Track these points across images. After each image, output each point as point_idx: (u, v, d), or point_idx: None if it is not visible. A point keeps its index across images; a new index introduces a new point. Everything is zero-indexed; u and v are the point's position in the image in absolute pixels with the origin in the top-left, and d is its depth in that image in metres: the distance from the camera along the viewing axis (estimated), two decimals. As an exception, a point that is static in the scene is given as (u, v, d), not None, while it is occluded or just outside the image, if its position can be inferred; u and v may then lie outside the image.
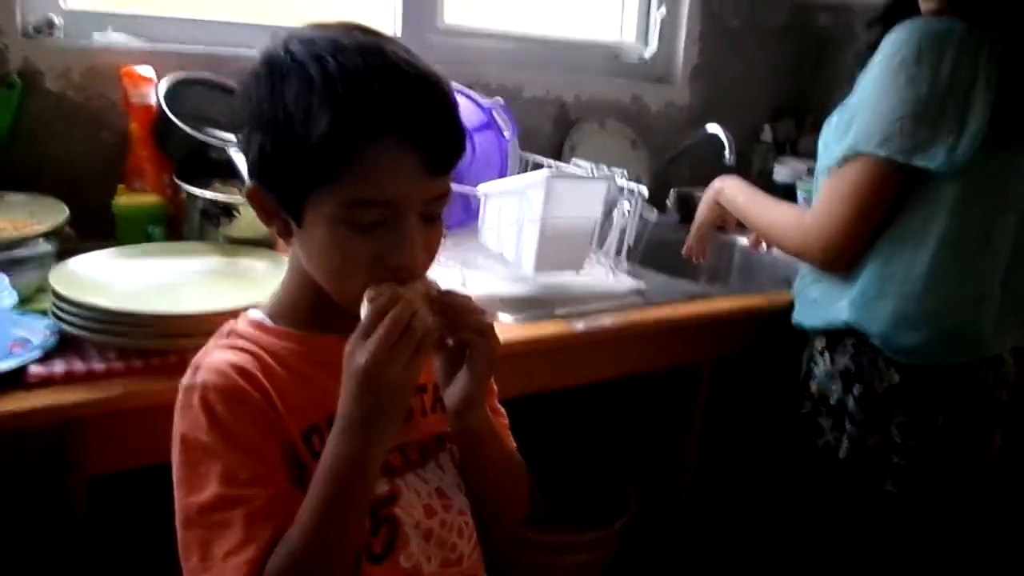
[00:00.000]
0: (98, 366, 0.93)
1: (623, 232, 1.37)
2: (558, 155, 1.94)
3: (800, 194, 2.05)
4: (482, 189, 1.32)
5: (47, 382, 0.90)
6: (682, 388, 1.50)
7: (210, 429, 0.71)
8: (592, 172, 1.41)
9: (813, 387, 1.35)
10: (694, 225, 1.60)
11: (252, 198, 0.76)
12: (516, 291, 1.27)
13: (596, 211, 1.29)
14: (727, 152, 1.79)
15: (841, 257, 1.27)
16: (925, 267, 1.22)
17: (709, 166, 2.15)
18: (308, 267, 0.76)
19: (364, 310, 0.70)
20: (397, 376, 0.68)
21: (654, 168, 1.99)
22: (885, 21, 1.32)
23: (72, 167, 1.42)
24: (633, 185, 1.36)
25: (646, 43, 2.17)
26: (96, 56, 1.43)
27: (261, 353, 0.75)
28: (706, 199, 1.56)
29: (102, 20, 1.48)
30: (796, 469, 1.38)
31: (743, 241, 1.90)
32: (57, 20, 1.43)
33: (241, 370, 0.73)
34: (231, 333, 0.78)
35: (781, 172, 2.20)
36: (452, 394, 0.78)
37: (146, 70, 1.40)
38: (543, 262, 1.26)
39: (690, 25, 2.16)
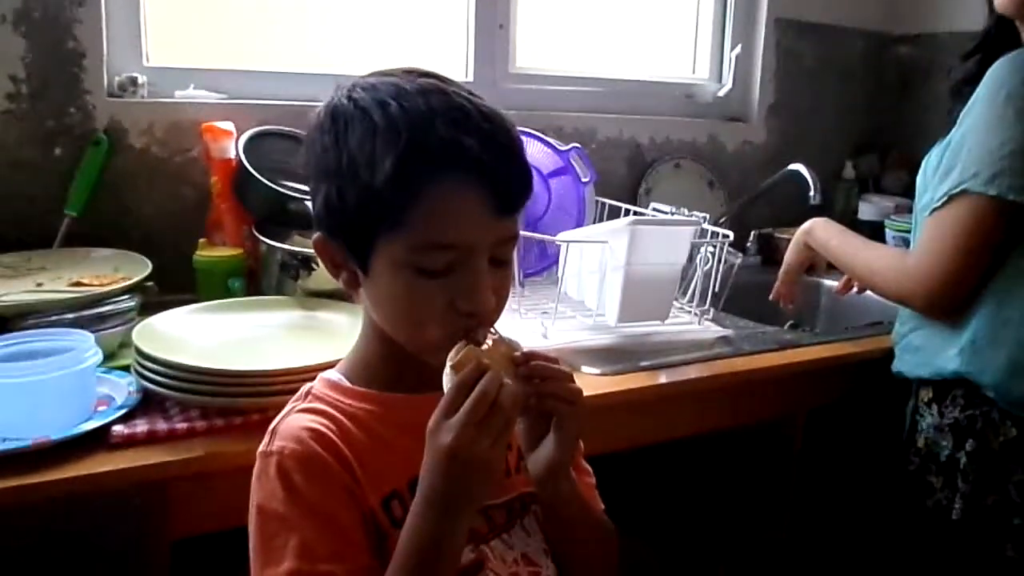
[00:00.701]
0: (180, 425, 0.92)
1: (708, 278, 1.31)
2: (633, 198, 1.90)
3: (889, 232, 1.96)
4: (563, 237, 1.28)
5: (129, 442, 0.89)
6: (774, 441, 1.42)
7: (287, 499, 0.68)
8: (672, 216, 1.37)
9: (920, 442, 1.26)
10: (783, 269, 1.53)
11: (320, 249, 0.74)
12: (599, 342, 1.23)
13: (681, 258, 1.24)
14: (812, 191, 1.71)
15: (947, 302, 1.18)
16: None
17: (790, 206, 2.10)
18: (378, 319, 0.74)
19: (447, 379, 0.67)
20: (484, 454, 0.64)
21: (733, 209, 1.93)
22: (983, 53, 1.25)
23: (155, 222, 1.44)
24: (718, 230, 1.31)
25: (720, 81, 2.13)
26: (178, 112, 1.46)
27: (339, 417, 0.72)
28: (795, 242, 1.49)
29: (183, 76, 1.51)
30: (903, 530, 1.28)
31: (829, 283, 1.82)
32: (141, 78, 1.46)
33: (319, 436, 0.70)
34: (308, 395, 0.76)
35: (867, 210, 2.12)
36: (537, 461, 0.74)
37: (226, 124, 1.42)
38: (627, 312, 1.21)
39: (765, 62, 2.12)
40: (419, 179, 0.65)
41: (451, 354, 0.68)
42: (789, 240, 1.99)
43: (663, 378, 1.18)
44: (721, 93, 2.11)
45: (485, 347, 0.69)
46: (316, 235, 0.74)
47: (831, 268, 1.50)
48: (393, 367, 0.76)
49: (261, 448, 0.71)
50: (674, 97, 2.08)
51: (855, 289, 1.52)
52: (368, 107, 0.68)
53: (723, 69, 2.12)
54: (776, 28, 2.11)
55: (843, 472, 1.45)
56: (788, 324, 1.69)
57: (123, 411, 0.93)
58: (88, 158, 1.37)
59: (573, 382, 0.72)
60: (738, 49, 2.07)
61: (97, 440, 0.89)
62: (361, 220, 0.68)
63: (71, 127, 1.38)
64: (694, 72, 2.14)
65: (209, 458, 0.89)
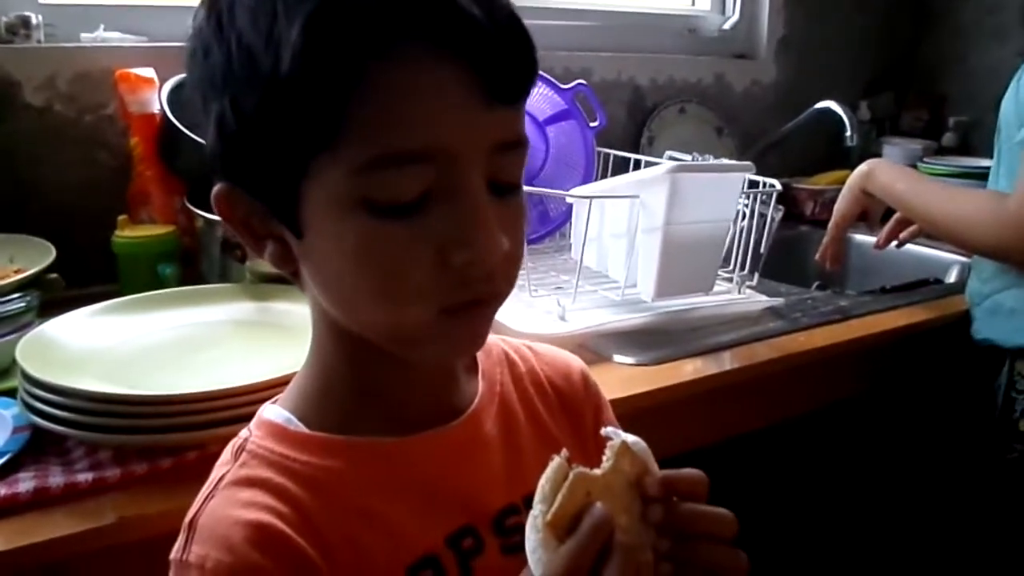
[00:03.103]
0: (84, 476, 0.65)
1: (755, 239, 1.07)
2: (636, 147, 1.66)
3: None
4: (578, 193, 1.02)
5: (9, 506, 0.62)
6: (838, 426, 1.19)
7: None
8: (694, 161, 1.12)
9: (1023, 425, 1.04)
10: (833, 222, 1.29)
11: (223, 207, 0.47)
12: (629, 322, 0.98)
13: (730, 212, 0.99)
14: (848, 131, 1.48)
15: None
16: None
17: (804, 153, 1.88)
18: (328, 304, 0.48)
19: (535, 542, 0.41)
20: None
21: (751, 157, 1.69)
22: None
23: (61, 197, 1.16)
24: (765, 179, 1.07)
25: (724, 13, 1.88)
26: (85, 59, 1.17)
27: (289, 487, 0.47)
28: (849, 188, 1.25)
29: (90, 16, 1.22)
30: (1004, 527, 1.07)
31: (860, 238, 1.60)
32: (35, 18, 1.16)
33: (261, 533, 0.44)
34: (240, 453, 0.49)
35: (891, 154, 1.89)
36: None
37: (146, 72, 1.15)
38: (666, 284, 0.96)
39: (772, -10, 1.87)
40: (351, 51, 0.40)
41: (542, 481, 0.43)
42: (809, 191, 1.80)
43: (716, 366, 0.94)
44: (726, 26, 1.86)
45: (599, 470, 0.44)
46: (216, 188, 0.46)
47: (882, 221, 1.27)
48: (364, 393, 0.51)
49: (174, 552, 0.46)
50: (675, 32, 1.82)
51: (895, 242, 1.29)
52: None
53: (726, -1, 1.87)
54: (782, -50, 1.87)
55: (922, 462, 1.23)
56: (815, 285, 1.46)
57: (2, 459, 0.66)
58: (-30, 121, 1.08)
59: (734, 532, 0.45)
60: (745, -24, 1.82)
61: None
62: (273, 141, 0.42)
63: (-53, 82, 1.09)
64: (694, 3, 1.88)
65: (127, 524, 0.62)
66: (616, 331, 0.98)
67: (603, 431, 0.47)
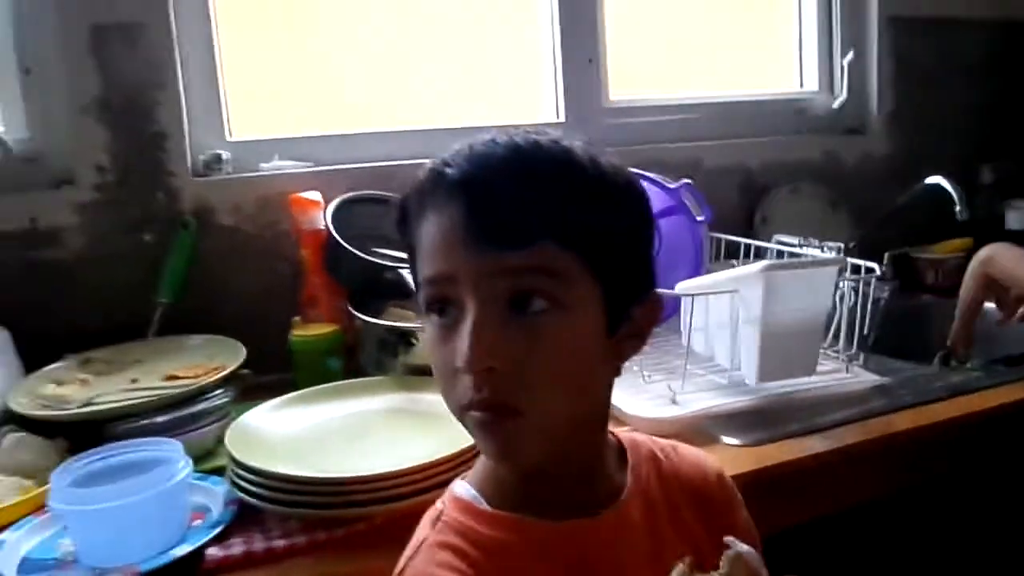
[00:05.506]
0: (279, 543, 0.82)
1: (854, 318, 1.14)
2: (749, 228, 1.74)
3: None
4: (683, 287, 1.14)
5: (225, 567, 0.80)
6: (948, 504, 1.22)
7: None
8: (808, 255, 1.20)
9: None
10: (961, 309, 1.32)
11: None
12: (736, 405, 1.07)
13: (826, 302, 1.07)
14: (958, 207, 1.51)
15: None
16: None
17: (922, 221, 1.89)
18: None
19: None
20: None
21: (861, 232, 1.74)
22: None
23: (248, 301, 1.37)
24: (863, 263, 1.14)
25: (832, 92, 1.95)
26: (264, 185, 1.40)
27: (472, 553, 0.59)
28: (973, 275, 1.29)
29: (267, 148, 1.45)
30: None
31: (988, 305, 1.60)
32: (225, 155, 1.41)
33: None
34: (438, 521, 0.63)
35: (1015, 219, 1.88)
36: None
37: (313, 194, 1.36)
38: (768, 369, 1.06)
39: (880, 66, 1.92)
40: (411, 212, 0.60)
41: None
42: (930, 260, 1.82)
43: (809, 447, 1.01)
44: (835, 105, 1.92)
45: (716, 574, 0.53)
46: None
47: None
48: (526, 479, 0.62)
49: None
50: (782, 114, 1.91)
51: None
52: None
53: (834, 78, 1.94)
54: (889, 28, 1.92)
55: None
56: (939, 355, 1.48)
57: (218, 528, 0.84)
58: (177, 242, 1.32)
59: None
60: (851, 55, 1.89)
61: (190, 566, 0.80)
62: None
63: (158, 212, 1.34)
64: (802, 85, 1.97)
65: (311, 583, 0.79)
66: (723, 413, 1.07)
67: (725, 539, 0.56)
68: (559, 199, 0.56)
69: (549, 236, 0.55)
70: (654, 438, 0.73)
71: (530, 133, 0.59)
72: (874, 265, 1.18)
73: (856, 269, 1.20)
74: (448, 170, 0.57)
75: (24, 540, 0.85)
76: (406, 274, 1.21)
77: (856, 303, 1.18)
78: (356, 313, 1.20)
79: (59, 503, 0.80)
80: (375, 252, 1.27)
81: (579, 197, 0.57)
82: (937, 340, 1.49)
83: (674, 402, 1.08)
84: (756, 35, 1.95)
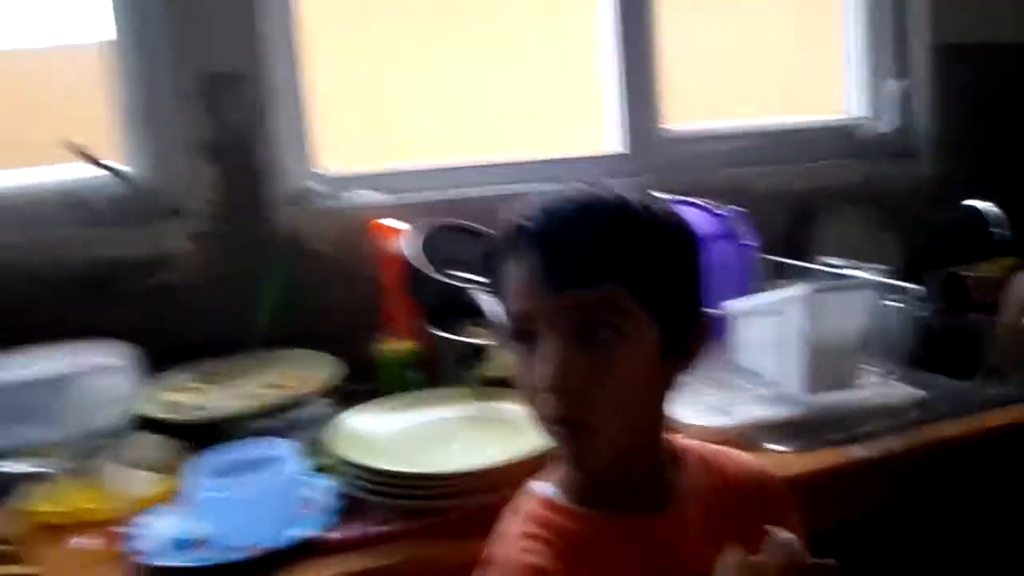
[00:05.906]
0: (377, 529, 0.96)
1: (898, 336, 1.23)
2: (798, 252, 1.83)
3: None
4: (730, 310, 1.25)
5: (340, 547, 0.94)
6: (980, 510, 1.29)
7: None
8: (845, 269, 1.30)
9: None
10: (1004, 325, 1.39)
11: None
12: (783, 415, 1.18)
13: (866, 321, 1.17)
14: (998, 228, 1.59)
15: None
16: None
17: (969, 242, 1.94)
18: None
19: None
20: None
21: (908, 253, 1.81)
22: None
23: (335, 320, 1.52)
24: (903, 284, 1.24)
25: (880, 116, 2.02)
26: (348, 215, 1.55)
27: (553, 541, 0.71)
28: (1016, 293, 1.37)
29: (351, 181, 1.61)
30: None
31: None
32: (314, 186, 1.57)
33: (534, 572, 0.68)
34: (522, 514, 0.75)
35: (1063, 238, 1.92)
36: None
37: (393, 223, 1.50)
38: (811, 383, 1.16)
39: (928, 92, 2.00)
40: (497, 258, 0.71)
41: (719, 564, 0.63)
42: (976, 279, 1.87)
43: (856, 452, 1.12)
44: (883, 129, 2.00)
45: (757, 557, 0.63)
46: None
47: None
48: (597, 480, 0.73)
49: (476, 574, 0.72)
50: (831, 139, 1.99)
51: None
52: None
53: (882, 103, 2.02)
54: (936, 52, 1.99)
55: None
56: (983, 372, 1.55)
57: (329, 516, 0.98)
58: (273, 266, 1.48)
59: None
60: (899, 81, 1.97)
61: (306, 548, 0.94)
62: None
63: (258, 239, 1.50)
64: (850, 109, 2.05)
65: (408, 561, 0.92)
66: (772, 422, 1.18)
67: (767, 527, 0.65)
68: (618, 245, 0.68)
69: (611, 277, 0.67)
70: (705, 443, 0.84)
71: (592, 186, 0.72)
72: (914, 286, 1.27)
73: (898, 289, 1.30)
74: (526, 224, 0.69)
75: (164, 522, 1.00)
76: (479, 296, 1.34)
77: (897, 321, 1.28)
78: (435, 331, 1.34)
79: (199, 491, 0.95)
80: (451, 275, 1.41)
81: (634, 242, 0.68)
82: (982, 358, 1.56)
83: (724, 413, 1.19)
84: (805, 62, 2.04)
